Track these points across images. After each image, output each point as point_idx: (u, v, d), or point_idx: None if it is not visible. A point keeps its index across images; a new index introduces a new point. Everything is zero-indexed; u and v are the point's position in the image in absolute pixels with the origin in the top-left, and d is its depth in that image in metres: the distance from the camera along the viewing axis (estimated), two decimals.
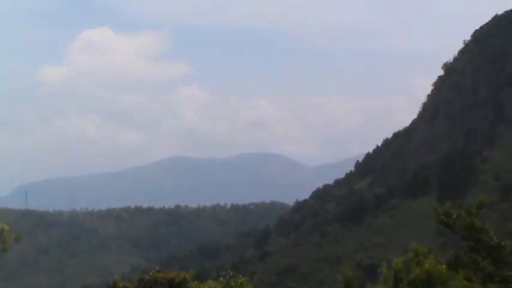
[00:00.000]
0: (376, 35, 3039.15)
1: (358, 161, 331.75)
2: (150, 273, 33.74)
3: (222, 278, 21.91)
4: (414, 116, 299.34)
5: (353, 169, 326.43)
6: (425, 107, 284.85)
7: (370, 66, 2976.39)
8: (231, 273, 22.01)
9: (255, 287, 22.02)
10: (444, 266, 25.75)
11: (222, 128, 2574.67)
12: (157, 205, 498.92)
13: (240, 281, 21.29)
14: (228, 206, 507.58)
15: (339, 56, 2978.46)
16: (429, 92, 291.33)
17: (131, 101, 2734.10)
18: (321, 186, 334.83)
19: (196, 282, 24.32)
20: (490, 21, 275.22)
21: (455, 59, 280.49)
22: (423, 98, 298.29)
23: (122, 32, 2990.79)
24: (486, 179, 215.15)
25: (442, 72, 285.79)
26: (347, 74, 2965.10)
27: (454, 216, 29.61)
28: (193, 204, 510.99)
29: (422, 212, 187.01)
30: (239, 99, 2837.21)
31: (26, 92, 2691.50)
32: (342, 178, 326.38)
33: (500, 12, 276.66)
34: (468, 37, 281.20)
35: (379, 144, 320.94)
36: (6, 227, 24.18)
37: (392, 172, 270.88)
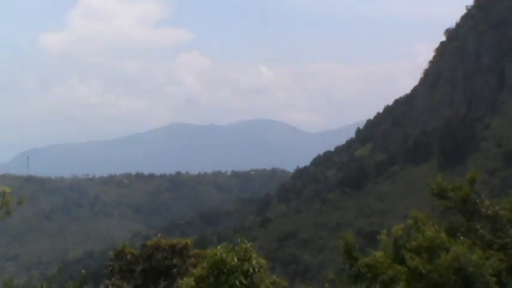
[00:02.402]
0: (376, 0, 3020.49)
1: (359, 127, 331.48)
2: (153, 239, 33.80)
3: (229, 244, 21.70)
4: (416, 82, 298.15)
5: (354, 136, 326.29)
6: (427, 74, 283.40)
7: (371, 32, 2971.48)
8: (239, 239, 21.82)
9: (258, 253, 21.87)
10: (443, 234, 25.81)
11: (222, 94, 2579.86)
12: (158, 171, 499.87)
13: (244, 246, 21.10)
14: (229, 173, 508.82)
15: (340, 22, 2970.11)
16: (431, 58, 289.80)
17: (132, 67, 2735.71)
18: (321, 152, 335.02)
19: (205, 250, 24.22)
20: None
21: (458, 25, 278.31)
22: (424, 65, 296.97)
23: None
24: (488, 145, 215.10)
25: (444, 39, 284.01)
26: (348, 40, 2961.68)
27: (449, 189, 29.71)
28: (194, 171, 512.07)
29: (423, 179, 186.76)
30: (239, 66, 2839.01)
31: (26, 58, 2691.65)
32: (342, 145, 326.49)
33: None
34: (471, 3, 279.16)
35: (380, 110, 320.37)
36: (7, 190, 24.11)
37: (394, 139, 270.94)
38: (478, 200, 29.79)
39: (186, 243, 32.98)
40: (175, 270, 31.82)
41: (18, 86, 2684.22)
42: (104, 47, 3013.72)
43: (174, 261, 32.35)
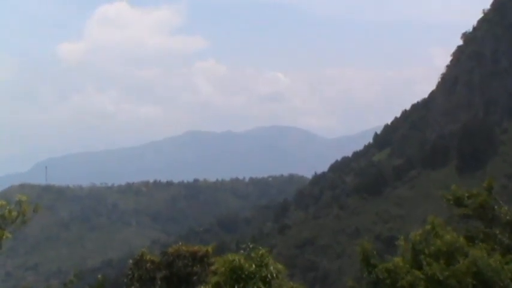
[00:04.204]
0: (392, 4, 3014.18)
1: (376, 132, 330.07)
2: (174, 247, 33.81)
3: (242, 251, 21.75)
4: (432, 87, 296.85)
5: (371, 141, 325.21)
6: (444, 78, 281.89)
7: (387, 37, 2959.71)
8: (251, 246, 21.82)
9: (274, 259, 21.85)
10: (462, 238, 25.73)
11: (239, 101, 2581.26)
12: (176, 179, 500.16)
13: (260, 252, 21.11)
14: (247, 180, 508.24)
15: (355, 27, 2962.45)
16: (448, 62, 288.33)
17: (149, 76, 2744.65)
18: (339, 158, 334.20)
19: (218, 257, 24.25)
20: None
21: (475, 29, 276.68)
22: (441, 69, 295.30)
23: (138, 6, 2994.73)
24: (506, 149, 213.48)
25: (461, 42, 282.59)
26: (363, 45, 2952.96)
27: (466, 197, 29.63)
28: (211, 178, 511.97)
29: (441, 183, 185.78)
30: (255, 72, 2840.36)
31: (44, 68, 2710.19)
32: (360, 150, 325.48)
33: None
34: (487, 6, 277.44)
35: (398, 115, 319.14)
36: (23, 198, 24.15)
37: (411, 143, 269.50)
38: (496, 206, 29.64)
39: (207, 250, 33.01)
40: (195, 277, 31.83)
41: (36, 95, 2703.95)
42: (121, 55, 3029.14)
43: (195, 268, 32.37)
